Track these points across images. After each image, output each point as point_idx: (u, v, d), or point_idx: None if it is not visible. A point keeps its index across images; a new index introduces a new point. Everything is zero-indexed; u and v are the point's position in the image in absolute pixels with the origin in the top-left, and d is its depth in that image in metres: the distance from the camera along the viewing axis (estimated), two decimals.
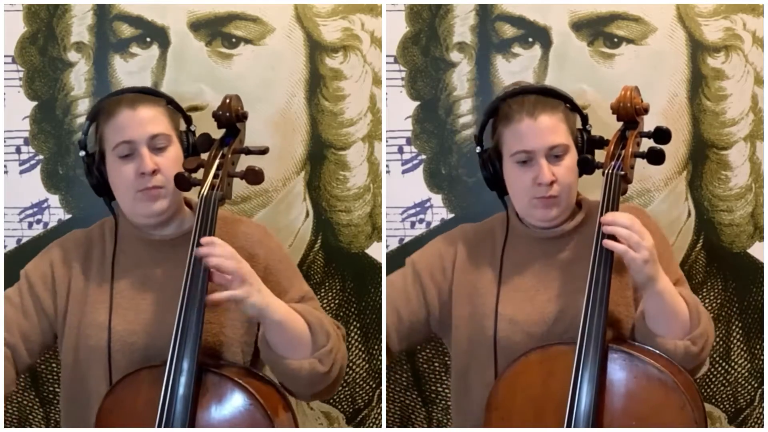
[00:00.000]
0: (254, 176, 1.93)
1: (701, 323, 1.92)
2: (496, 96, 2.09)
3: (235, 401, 1.85)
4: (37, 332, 2.02)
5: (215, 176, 1.93)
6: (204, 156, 1.98)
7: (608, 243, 1.85)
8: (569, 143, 2.02)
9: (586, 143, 2.05)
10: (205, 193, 1.91)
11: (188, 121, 2.09)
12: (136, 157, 1.97)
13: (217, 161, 1.95)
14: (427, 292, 2.11)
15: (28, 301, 2.02)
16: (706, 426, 1.88)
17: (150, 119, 1.98)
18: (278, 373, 1.93)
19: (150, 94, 2.06)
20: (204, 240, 1.85)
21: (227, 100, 2.01)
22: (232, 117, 1.99)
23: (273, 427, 1.83)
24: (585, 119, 2.08)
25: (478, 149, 2.09)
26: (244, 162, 1.99)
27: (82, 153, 2.03)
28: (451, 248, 2.12)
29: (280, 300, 1.90)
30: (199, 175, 1.96)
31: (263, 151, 2.00)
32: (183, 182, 1.95)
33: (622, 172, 1.95)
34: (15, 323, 2.00)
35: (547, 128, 1.99)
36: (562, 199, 2.01)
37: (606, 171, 1.96)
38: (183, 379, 1.81)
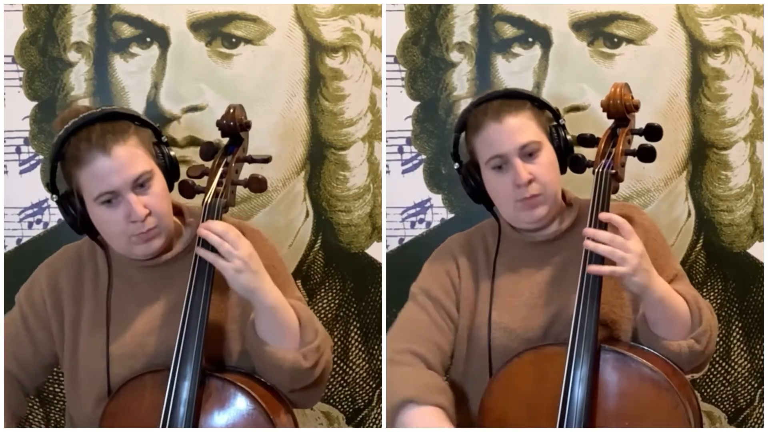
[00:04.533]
0: (257, 184, 1.94)
1: (703, 320, 1.89)
2: (463, 109, 2.08)
3: (238, 405, 1.85)
4: (33, 360, 2.01)
5: (219, 184, 1.93)
6: (207, 164, 1.97)
7: (592, 269, 1.83)
8: (541, 139, 1.99)
9: (563, 140, 2.03)
10: (209, 201, 1.90)
11: (159, 133, 1.99)
12: (121, 202, 1.87)
13: (220, 169, 1.95)
14: (451, 313, 2.07)
15: (23, 333, 2.01)
16: (702, 425, 1.88)
17: (128, 160, 1.87)
18: (260, 363, 1.90)
19: (115, 119, 1.91)
20: (207, 228, 1.84)
21: (231, 110, 1.98)
22: (235, 126, 1.98)
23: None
24: (556, 115, 2.06)
25: (456, 165, 2.08)
26: (247, 170, 1.99)
27: (54, 197, 1.92)
28: (452, 262, 2.10)
29: (278, 289, 1.89)
30: (202, 182, 1.95)
31: (266, 160, 2.00)
32: (187, 189, 1.95)
33: (613, 171, 1.94)
34: (10, 353, 2.00)
35: (515, 128, 1.97)
36: (546, 197, 1.99)
37: (596, 169, 1.95)
38: (186, 384, 1.81)
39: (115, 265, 1.99)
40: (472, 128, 2.01)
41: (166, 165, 1.96)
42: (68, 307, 1.99)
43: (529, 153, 1.97)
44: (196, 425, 1.82)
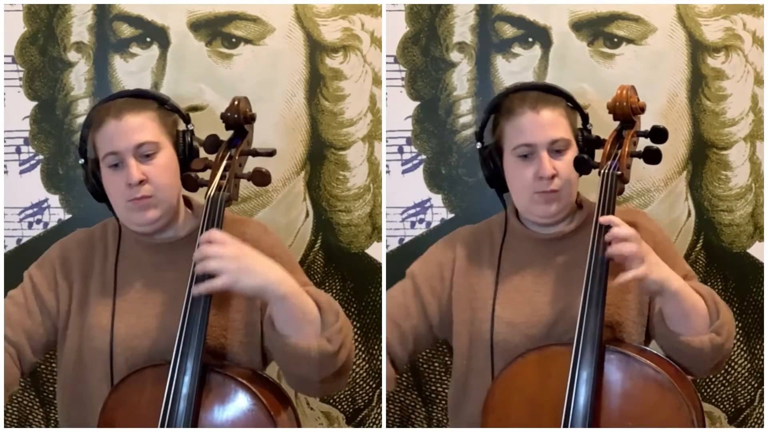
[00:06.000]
0: (261, 178, 1.95)
1: (720, 313, 1.89)
2: (498, 93, 2.09)
3: (238, 401, 1.85)
4: (40, 331, 2.02)
5: (222, 177, 1.94)
6: (211, 157, 1.99)
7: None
8: (570, 139, 2.02)
9: (584, 143, 2.05)
10: (212, 194, 1.92)
11: (186, 120, 2.06)
12: (123, 167, 1.95)
13: (224, 162, 1.96)
14: (427, 304, 2.10)
15: (32, 301, 2.02)
16: (704, 425, 1.88)
17: (136, 128, 1.95)
18: (284, 357, 1.88)
19: (142, 97, 2.02)
20: (200, 247, 1.84)
21: (236, 102, 2.01)
22: (240, 119, 2.00)
23: (275, 427, 1.84)
24: (585, 118, 2.08)
25: (478, 145, 2.09)
26: (251, 163, 2.00)
27: (82, 161, 2.02)
28: (450, 254, 2.12)
29: (290, 277, 1.86)
30: (205, 175, 1.97)
31: (270, 153, 2.01)
32: (190, 183, 1.97)
33: (619, 172, 1.94)
34: (19, 322, 2.00)
35: (549, 122, 1.99)
36: (562, 195, 2.00)
37: (602, 171, 1.96)
38: (186, 379, 1.82)
39: (124, 246, 2.03)
40: (506, 112, 2.02)
41: (185, 152, 2.01)
42: (77, 282, 2.02)
43: (557, 149, 1.99)
44: (195, 421, 1.82)
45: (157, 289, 1.99)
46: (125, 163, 1.94)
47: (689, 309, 1.87)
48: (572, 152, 2.01)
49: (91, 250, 2.06)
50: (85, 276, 2.03)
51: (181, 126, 2.05)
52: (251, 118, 2.02)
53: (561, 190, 1.99)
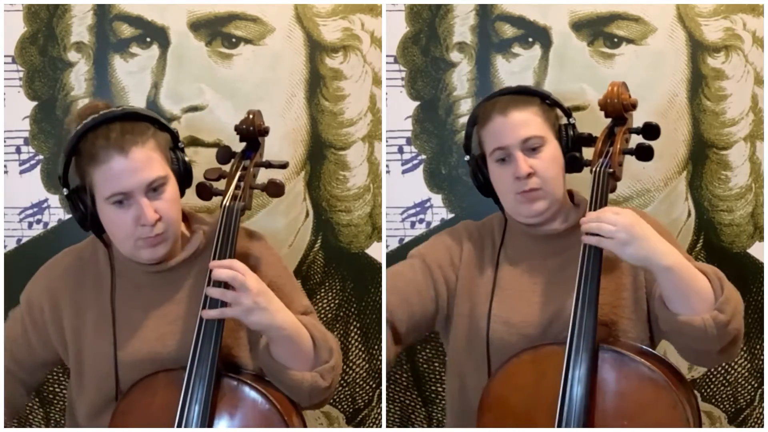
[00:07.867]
0: (275, 189, 1.97)
1: (725, 289, 1.84)
2: (476, 104, 2.10)
3: (253, 406, 1.86)
4: (28, 360, 2.01)
5: (237, 187, 1.96)
6: (225, 167, 1.99)
7: (587, 239, 1.85)
8: (545, 135, 2.00)
9: (571, 139, 2.04)
10: (227, 204, 1.92)
11: (176, 139, 1.98)
12: (133, 204, 1.84)
13: (239, 173, 1.98)
14: (438, 285, 2.07)
15: (20, 333, 2.00)
16: (700, 424, 1.88)
17: (145, 163, 1.84)
18: (278, 383, 1.91)
19: (135, 120, 1.89)
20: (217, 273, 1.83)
21: (250, 116, 2.02)
22: (254, 132, 2.02)
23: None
24: (568, 114, 2.07)
25: (467, 158, 2.09)
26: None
27: (65, 191, 1.90)
28: (458, 244, 2.11)
29: (288, 311, 1.88)
30: (219, 184, 1.98)
31: (284, 166, 2.04)
32: (204, 191, 1.98)
33: (611, 170, 1.94)
34: (9, 350, 2.00)
35: (519, 122, 1.99)
36: (546, 192, 1.99)
37: (594, 168, 1.95)
38: (201, 385, 1.82)
39: (118, 267, 1.98)
40: (481, 121, 2.04)
41: (180, 171, 1.94)
42: (67, 313, 1.97)
43: (532, 147, 1.98)
44: (210, 425, 1.83)
45: (158, 311, 1.96)
46: (136, 202, 1.84)
47: (687, 286, 1.82)
48: (551, 149, 2.00)
49: (81, 274, 2.00)
50: (77, 305, 1.97)
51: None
52: (265, 131, 2.03)
53: (542, 187, 1.98)
